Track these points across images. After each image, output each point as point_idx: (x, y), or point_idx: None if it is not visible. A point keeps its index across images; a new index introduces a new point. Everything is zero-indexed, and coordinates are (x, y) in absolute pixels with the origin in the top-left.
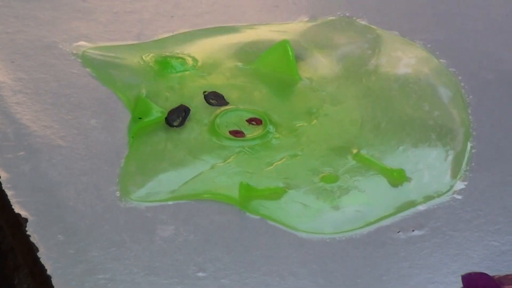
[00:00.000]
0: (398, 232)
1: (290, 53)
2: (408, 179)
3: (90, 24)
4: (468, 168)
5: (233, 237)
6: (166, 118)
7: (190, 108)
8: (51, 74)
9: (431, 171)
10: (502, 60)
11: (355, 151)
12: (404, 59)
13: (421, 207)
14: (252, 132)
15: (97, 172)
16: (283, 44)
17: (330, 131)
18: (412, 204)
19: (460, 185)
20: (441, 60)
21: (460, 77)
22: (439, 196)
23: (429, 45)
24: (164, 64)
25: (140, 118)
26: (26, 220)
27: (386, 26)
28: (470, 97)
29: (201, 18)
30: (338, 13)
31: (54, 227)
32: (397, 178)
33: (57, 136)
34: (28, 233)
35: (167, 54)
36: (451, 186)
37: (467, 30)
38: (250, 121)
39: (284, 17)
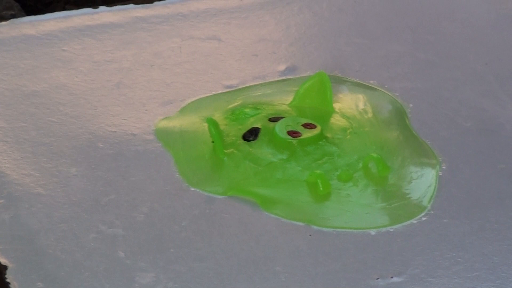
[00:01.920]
0: (377, 279)
1: (328, 85)
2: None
3: (70, 73)
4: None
5: (212, 284)
6: (243, 136)
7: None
8: (31, 122)
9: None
10: (480, 108)
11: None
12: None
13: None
14: (307, 133)
15: (76, 220)
16: (321, 76)
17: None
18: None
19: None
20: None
21: (438, 125)
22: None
23: (408, 93)
24: (238, 114)
25: (212, 141)
26: (5, 267)
27: (364, 76)
28: (448, 144)
29: (181, 67)
30: (316, 61)
31: (34, 274)
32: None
33: (37, 184)
34: (7, 280)
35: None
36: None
37: (446, 78)
38: (305, 125)
39: (263, 66)
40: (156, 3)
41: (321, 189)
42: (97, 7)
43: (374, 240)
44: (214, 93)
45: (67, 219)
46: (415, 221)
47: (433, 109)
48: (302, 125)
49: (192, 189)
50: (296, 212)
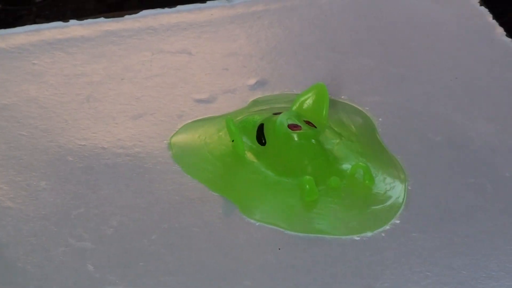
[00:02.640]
0: None
1: (326, 98)
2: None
3: (40, 86)
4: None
5: None
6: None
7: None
8: (1, 136)
9: None
10: (450, 122)
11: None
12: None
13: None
14: (307, 129)
15: (46, 233)
16: (320, 87)
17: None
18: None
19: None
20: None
21: (408, 139)
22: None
23: (378, 107)
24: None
25: (232, 141)
26: None
27: (335, 90)
28: (418, 158)
29: (151, 80)
30: (287, 75)
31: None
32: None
33: (6, 198)
34: None
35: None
36: None
37: (416, 92)
38: (307, 122)
39: (234, 80)
40: (126, 17)
41: (306, 198)
42: (68, 21)
43: (343, 254)
44: (184, 107)
45: (36, 232)
46: (384, 235)
47: (403, 123)
48: (304, 121)
49: (161, 203)
50: (273, 217)
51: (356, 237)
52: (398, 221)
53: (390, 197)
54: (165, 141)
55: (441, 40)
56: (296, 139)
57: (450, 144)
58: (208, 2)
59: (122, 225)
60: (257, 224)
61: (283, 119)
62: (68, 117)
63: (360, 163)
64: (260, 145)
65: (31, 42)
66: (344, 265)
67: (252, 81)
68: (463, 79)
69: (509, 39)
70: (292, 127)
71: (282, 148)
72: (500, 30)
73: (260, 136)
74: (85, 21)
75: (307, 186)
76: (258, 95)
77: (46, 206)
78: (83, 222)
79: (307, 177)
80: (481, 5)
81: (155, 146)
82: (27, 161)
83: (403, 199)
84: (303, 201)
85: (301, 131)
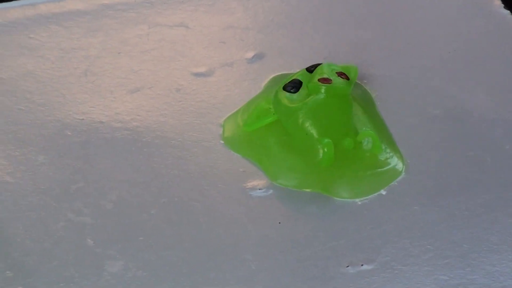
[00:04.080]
0: (347, 266)
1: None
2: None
3: (37, 60)
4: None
5: (181, 272)
6: (283, 87)
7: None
8: None
9: None
10: (448, 95)
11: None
12: None
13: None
14: (337, 82)
15: (45, 208)
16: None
17: None
18: None
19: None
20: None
21: (406, 112)
22: None
23: (375, 80)
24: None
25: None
26: None
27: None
28: (416, 131)
29: (148, 54)
30: (284, 48)
31: (2, 263)
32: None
33: (4, 172)
34: None
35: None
36: None
37: (413, 65)
38: (339, 74)
39: (231, 53)
40: None
41: (322, 163)
42: None
43: (343, 228)
44: (182, 81)
45: (35, 207)
46: (384, 208)
47: (400, 97)
48: (337, 73)
49: (160, 177)
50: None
51: (358, 202)
52: (397, 195)
53: (390, 163)
54: (162, 115)
55: (437, 12)
56: (322, 91)
57: (448, 117)
58: None
59: (121, 200)
60: (256, 197)
61: (316, 76)
62: (66, 91)
63: (370, 131)
64: (291, 93)
65: (27, 16)
66: (345, 238)
67: (250, 54)
68: (461, 52)
69: (507, 11)
70: (323, 80)
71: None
72: (498, 2)
73: (296, 85)
74: None
75: (326, 150)
76: (255, 68)
77: (45, 181)
78: (82, 197)
79: (327, 140)
80: None
81: (154, 120)
82: (24, 136)
83: (402, 167)
84: (316, 163)
85: (330, 84)
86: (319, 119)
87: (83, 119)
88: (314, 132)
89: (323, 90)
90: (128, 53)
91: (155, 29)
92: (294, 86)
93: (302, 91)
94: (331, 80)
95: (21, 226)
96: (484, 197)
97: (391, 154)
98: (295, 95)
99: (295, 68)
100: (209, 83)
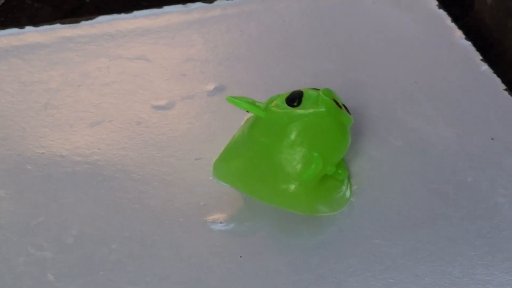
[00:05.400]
0: None
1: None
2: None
3: None
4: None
5: None
6: (286, 99)
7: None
8: None
9: None
10: (411, 128)
11: None
12: None
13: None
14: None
15: (5, 243)
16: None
17: None
18: None
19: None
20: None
21: (368, 145)
22: None
23: None
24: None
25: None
26: None
27: None
28: (379, 164)
29: (109, 87)
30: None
31: None
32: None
33: None
34: None
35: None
36: None
37: (376, 97)
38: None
39: (192, 86)
40: (83, 22)
41: (304, 175)
42: (24, 27)
43: (306, 261)
44: (143, 114)
45: None
46: (347, 242)
47: (363, 128)
48: (342, 104)
49: (122, 211)
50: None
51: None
52: (361, 228)
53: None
54: (123, 148)
55: (400, 44)
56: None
57: (411, 149)
58: (164, 7)
59: (82, 234)
60: (218, 231)
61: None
62: (26, 124)
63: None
64: (288, 106)
65: None
66: (307, 272)
67: (210, 86)
68: (423, 83)
69: (468, 42)
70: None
71: (319, 115)
72: (459, 33)
73: (294, 99)
74: (41, 27)
75: (314, 165)
76: (216, 101)
77: (6, 216)
78: (44, 232)
79: (316, 154)
80: (439, 8)
81: (114, 154)
82: None
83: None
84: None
85: (343, 110)
86: (315, 134)
87: (43, 153)
88: (307, 143)
89: (332, 109)
90: (88, 86)
91: (116, 62)
92: (295, 97)
93: (306, 102)
94: (341, 107)
95: None
96: (448, 230)
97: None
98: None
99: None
100: (169, 116)
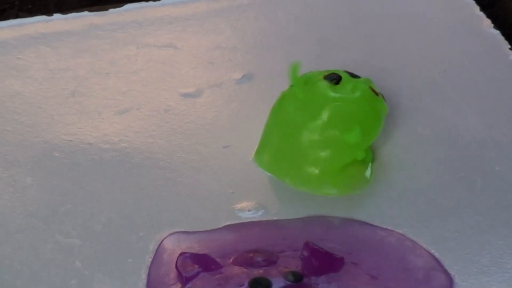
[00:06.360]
0: None
1: None
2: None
3: (25, 82)
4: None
5: None
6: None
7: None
8: None
9: None
10: (438, 117)
11: None
12: None
13: None
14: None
15: (33, 230)
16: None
17: None
18: None
19: None
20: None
21: (396, 133)
22: None
23: None
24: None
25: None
26: None
27: None
28: (406, 153)
29: (137, 75)
30: (273, 69)
31: None
32: None
33: None
34: None
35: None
36: None
37: (404, 87)
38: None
39: (220, 74)
40: (111, 10)
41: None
42: (52, 15)
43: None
44: (170, 101)
45: (24, 229)
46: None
47: (391, 118)
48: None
49: (149, 198)
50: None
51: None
52: (388, 217)
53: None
54: (151, 136)
55: (428, 33)
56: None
57: (438, 138)
58: None
59: (110, 221)
60: (246, 219)
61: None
62: (54, 112)
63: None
64: (330, 83)
65: (15, 37)
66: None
67: (238, 75)
68: (451, 72)
69: (496, 31)
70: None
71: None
72: (488, 22)
73: (333, 79)
74: (69, 15)
75: (356, 130)
76: (244, 89)
77: (33, 203)
78: (71, 219)
79: (358, 128)
80: None
81: (142, 141)
82: (12, 157)
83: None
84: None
85: (379, 98)
86: (350, 119)
87: (71, 140)
88: (341, 127)
89: (369, 96)
90: (116, 74)
91: (144, 50)
92: (335, 78)
93: (345, 83)
94: (378, 95)
95: (9, 248)
96: (475, 219)
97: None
98: (337, 87)
99: (284, 88)
100: (197, 104)
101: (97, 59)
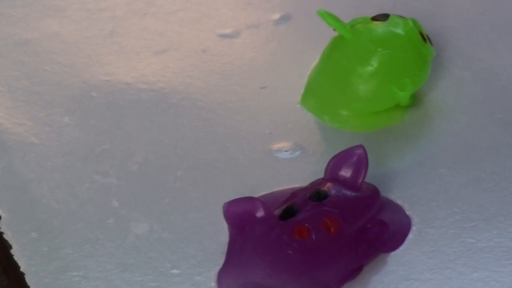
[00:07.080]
0: None
1: None
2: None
3: (62, 22)
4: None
5: (207, 234)
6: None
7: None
8: (23, 71)
9: None
10: (476, 58)
11: None
12: None
13: None
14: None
15: (70, 169)
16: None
17: None
18: None
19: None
20: None
21: (433, 74)
22: None
23: None
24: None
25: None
26: None
27: None
28: (444, 94)
29: (174, 15)
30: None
31: (27, 224)
32: None
33: (30, 134)
34: (1, 230)
35: None
36: None
37: (441, 27)
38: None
39: (258, 15)
40: None
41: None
42: None
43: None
44: (208, 42)
45: (61, 168)
46: (411, 172)
47: None
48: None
49: (186, 139)
50: None
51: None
52: (424, 157)
53: None
54: (189, 76)
55: None
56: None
57: (475, 79)
58: None
59: (147, 161)
60: (283, 160)
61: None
62: (91, 52)
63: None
64: (378, 20)
65: None
66: None
67: (276, 15)
68: (489, 14)
69: None
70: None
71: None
72: None
73: (380, 18)
74: None
75: (408, 87)
76: (282, 30)
77: (70, 142)
78: (108, 158)
79: (408, 80)
80: None
81: (180, 82)
82: (50, 97)
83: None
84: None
85: (427, 43)
86: (398, 67)
87: (108, 80)
88: (388, 76)
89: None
90: (154, 14)
91: None
92: (383, 16)
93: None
94: (426, 39)
95: (47, 187)
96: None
97: None
98: (385, 23)
99: (321, 31)
100: (235, 45)
101: None
